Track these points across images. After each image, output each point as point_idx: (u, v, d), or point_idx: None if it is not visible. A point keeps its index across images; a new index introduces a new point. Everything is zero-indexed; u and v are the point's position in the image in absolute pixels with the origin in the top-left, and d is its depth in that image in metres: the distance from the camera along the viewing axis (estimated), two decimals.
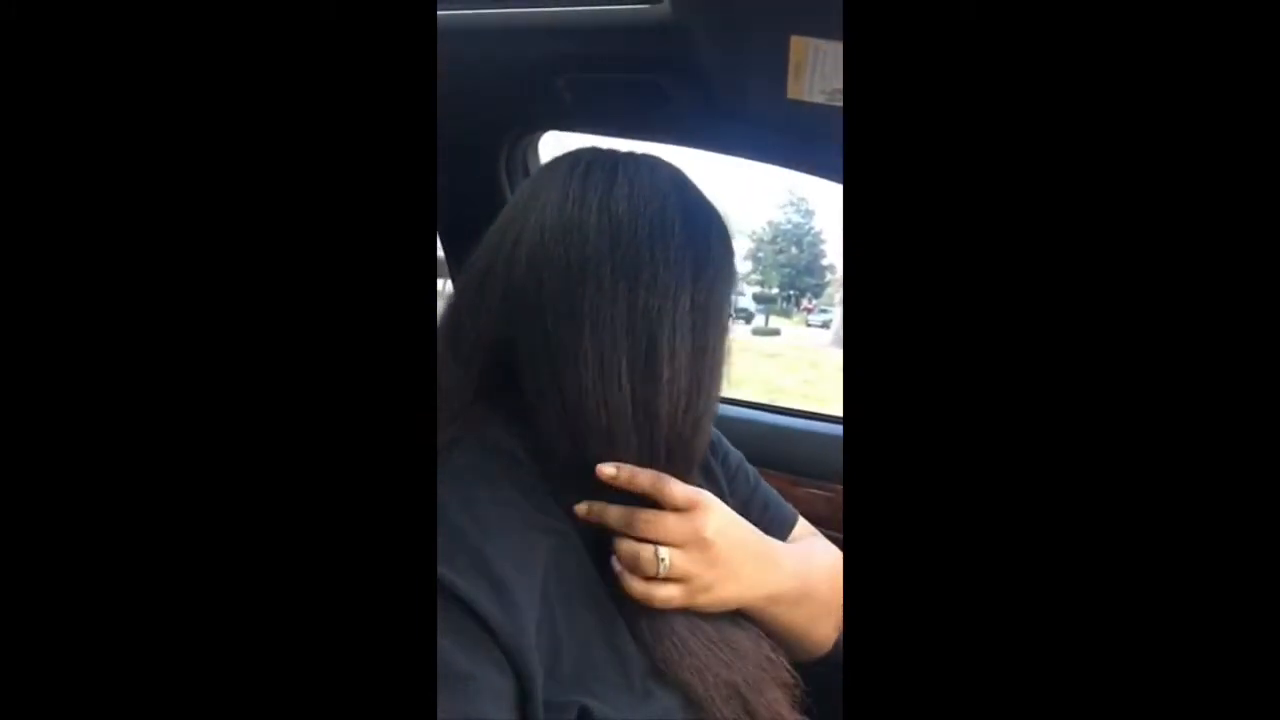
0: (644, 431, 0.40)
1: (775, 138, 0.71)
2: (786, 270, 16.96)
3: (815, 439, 0.95)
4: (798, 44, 0.52)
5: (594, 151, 0.46)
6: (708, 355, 0.42)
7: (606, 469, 0.39)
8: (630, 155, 0.45)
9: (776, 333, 12.42)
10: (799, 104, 0.61)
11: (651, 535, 0.40)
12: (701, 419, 0.42)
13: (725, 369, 0.44)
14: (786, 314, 15.73)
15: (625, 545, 0.40)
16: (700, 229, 0.43)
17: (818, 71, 0.55)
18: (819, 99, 0.60)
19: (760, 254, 17.22)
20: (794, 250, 17.05)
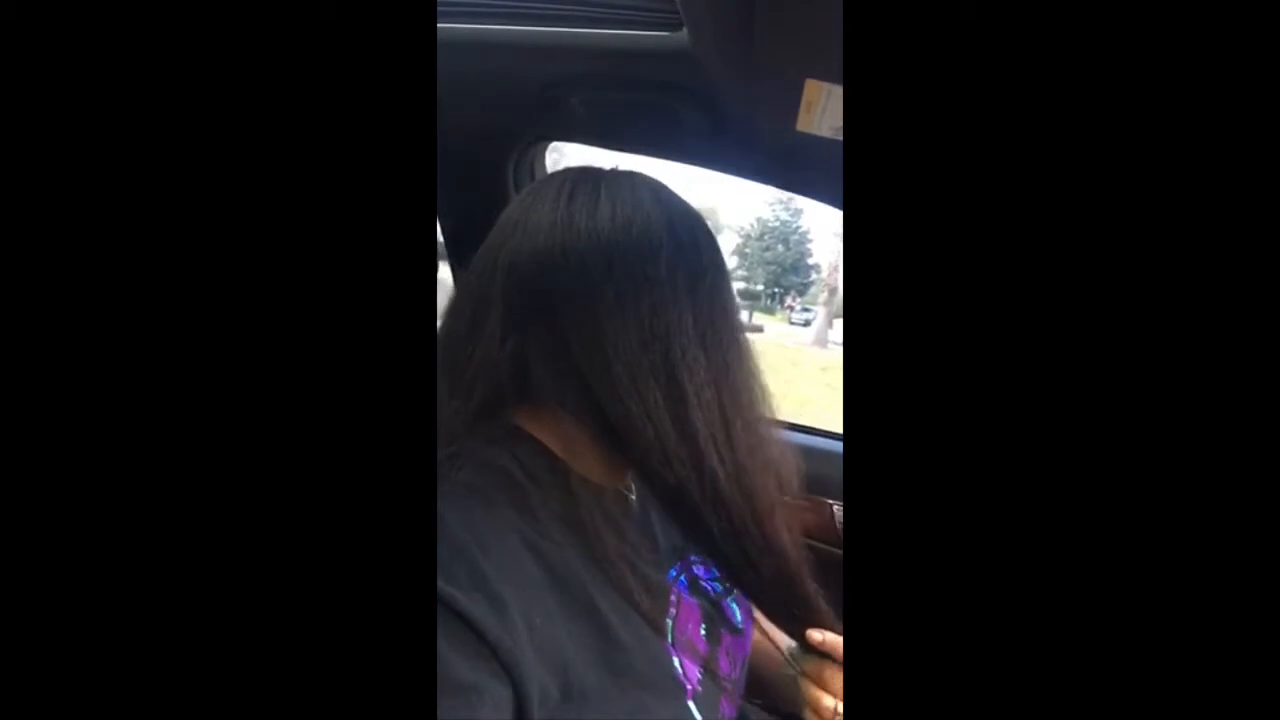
0: (688, 442, 0.41)
1: (781, 164, 0.73)
2: (772, 268, 16.98)
3: (804, 453, 0.97)
4: (812, 86, 0.54)
5: (578, 172, 0.46)
6: (729, 369, 0.43)
7: (815, 635, 0.45)
8: (612, 174, 0.46)
9: (760, 329, 12.46)
10: (807, 136, 0.63)
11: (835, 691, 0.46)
12: (756, 438, 0.43)
13: (758, 387, 0.45)
14: (770, 311, 15.78)
15: (811, 693, 0.47)
16: (687, 241, 0.43)
17: (828, 110, 0.57)
18: (827, 133, 0.62)
19: (747, 250, 17.23)
20: (780, 248, 17.08)
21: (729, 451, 0.41)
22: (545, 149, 0.88)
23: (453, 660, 0.32)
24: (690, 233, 0.44)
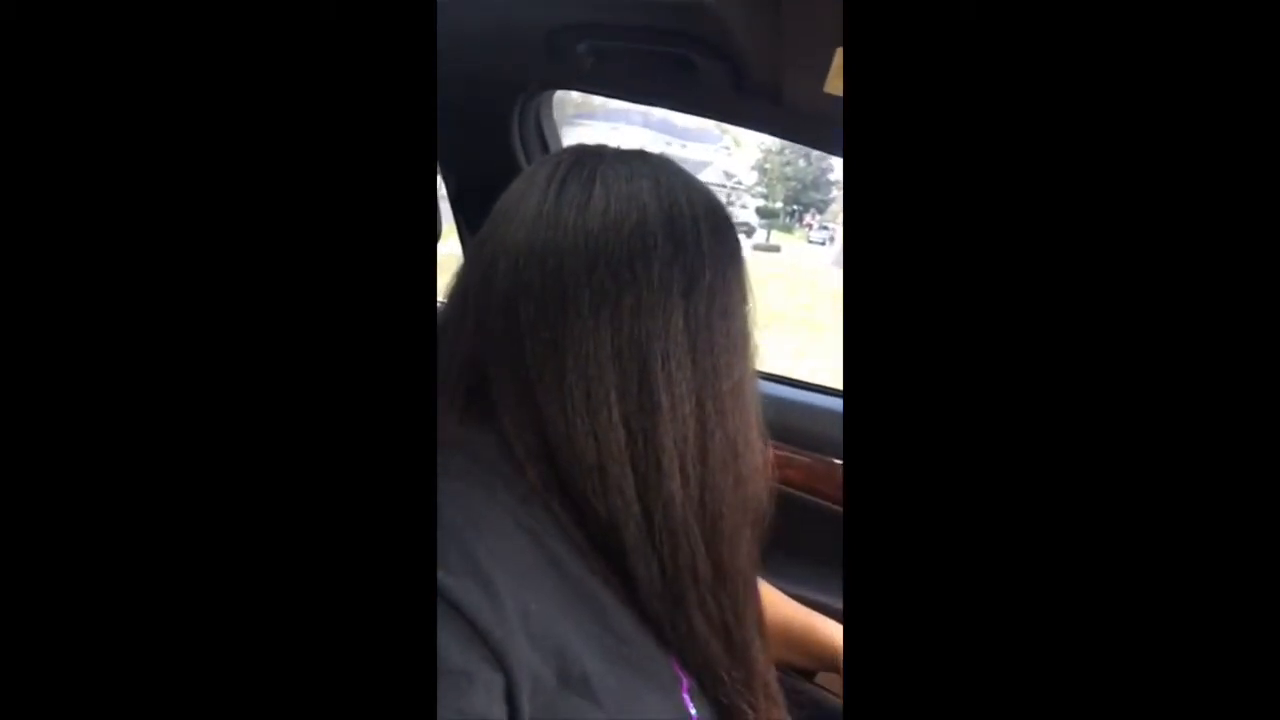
0: (648, 463, 0.38)
1: (805, 121, 0.68)
2: (792, 184, 16.46)
3: (804, 409, 0.96)
4: (841, 54, 0.49)
5: (575, 156, 0.42)
6: (719, 376, 0.40)
7: None
8: (613, 158, 0.42)
9: (777, 249, 12.24)
10: (834, 97, 0.58)
11: None
12: (733, 452, 0.40)
13: (752, 394, 0.42)
14: (789, 229, 15.43)
15: None
16: (689, 237, 0.39)
17: None
18: None
19: (767, 165, 16.64)
20: (802, 163, 16.48)
21: (699, 468, 0.39)
22: (550, 98, 0.82)
23: (444, 645, 0.32)
24: (693, 226, 0.40)
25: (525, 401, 0.39)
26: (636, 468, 0.38)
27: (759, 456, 0.43)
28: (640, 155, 0.43)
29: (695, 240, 0.40)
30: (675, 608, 0.40)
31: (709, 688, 0.43)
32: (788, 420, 0.95)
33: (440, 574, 0.33)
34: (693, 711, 0.42)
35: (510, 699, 0.34)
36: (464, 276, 0.43)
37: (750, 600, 0.44)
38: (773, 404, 0.99)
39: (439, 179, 0.90)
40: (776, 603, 0.70)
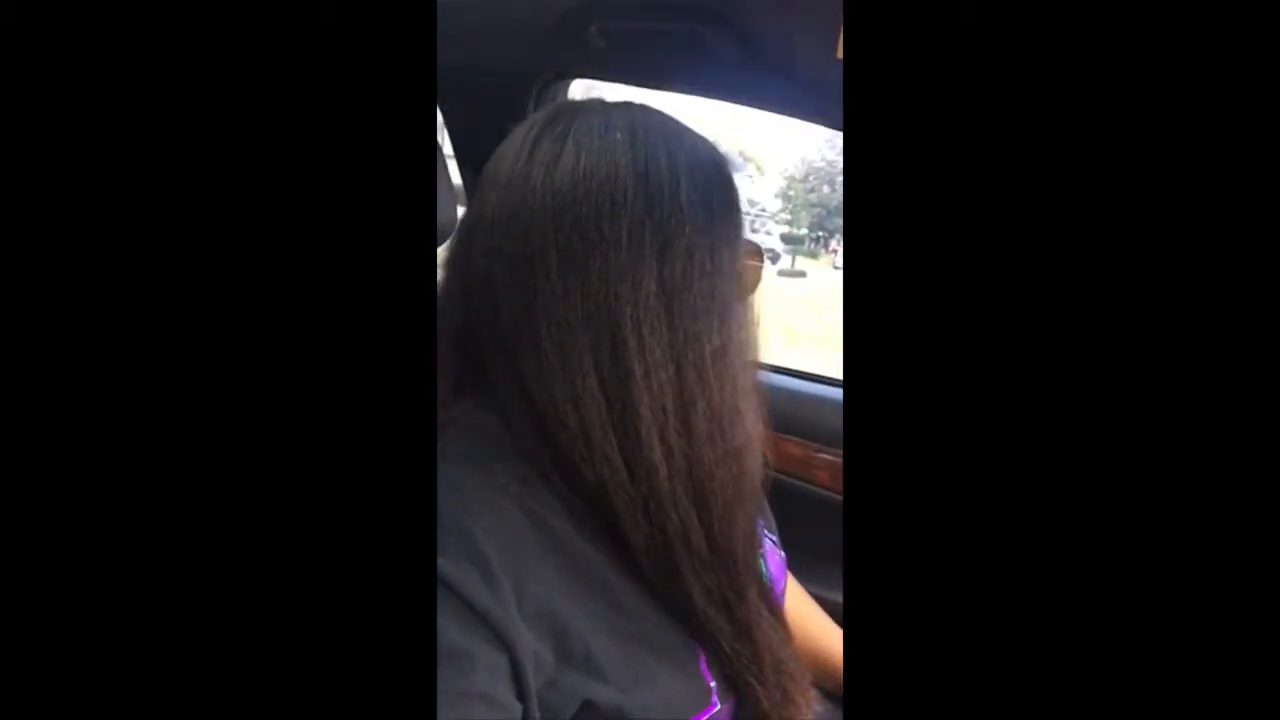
0: (627, 432, 0.37)
1: (820, 98, 0.67)
2: (817, 210, 16.48)
3: (831, 405, 0.94)
4: None
5: (551, 113, 0.40)
6: (700, 341, 0.37)
7: None
8: (589, 113, 0.40)
9: (803, 274, 12.21)
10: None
11: None
12: (719, 426, 0.38)
13: (742, 362, 0.40)
14: (814, 255, 15.42)
15: None
16: (665, 193, 0.37)
17: None
18: None
19: (791, 192, 16.71)
20: (826, 189, 16.52)
21: (682, 440, 0.37)
22: (567, 87, 0.83)
23: (444, 628, 0.32)
24: (671, 180, 0.37)
25: (510, 368, 0.38)
26: (619, 435, 0.37)
27: (752, 432, 0.40)
28: (622, 106, 0.41)
29: (672, 196, 0.37)
30: (672, 578, 0.39)
31: (715, 661, 0.41)
32: (813, 416, 0.93)
33: (440, 560, 0.33)
34: (711, 683, 0.41)
35: (517, 679, 0.33)
36: (454, 240, 0.42)
37: (751, 581, 0.42)
38: (796, 399, 0.98)
39: (458, 174, 0.91)
40: (815, 624, 0.68)
